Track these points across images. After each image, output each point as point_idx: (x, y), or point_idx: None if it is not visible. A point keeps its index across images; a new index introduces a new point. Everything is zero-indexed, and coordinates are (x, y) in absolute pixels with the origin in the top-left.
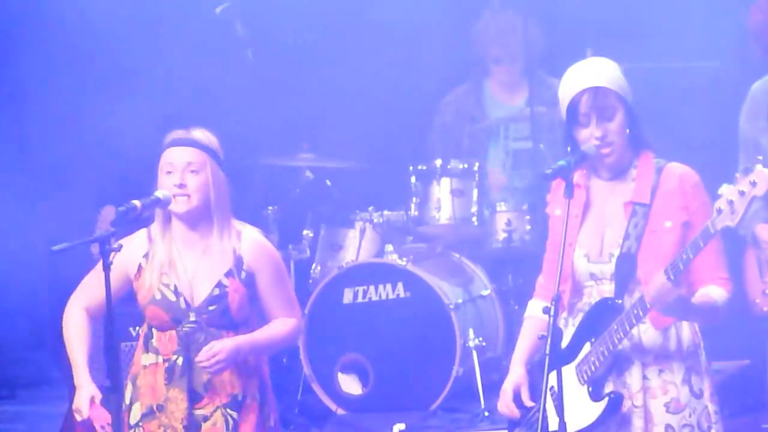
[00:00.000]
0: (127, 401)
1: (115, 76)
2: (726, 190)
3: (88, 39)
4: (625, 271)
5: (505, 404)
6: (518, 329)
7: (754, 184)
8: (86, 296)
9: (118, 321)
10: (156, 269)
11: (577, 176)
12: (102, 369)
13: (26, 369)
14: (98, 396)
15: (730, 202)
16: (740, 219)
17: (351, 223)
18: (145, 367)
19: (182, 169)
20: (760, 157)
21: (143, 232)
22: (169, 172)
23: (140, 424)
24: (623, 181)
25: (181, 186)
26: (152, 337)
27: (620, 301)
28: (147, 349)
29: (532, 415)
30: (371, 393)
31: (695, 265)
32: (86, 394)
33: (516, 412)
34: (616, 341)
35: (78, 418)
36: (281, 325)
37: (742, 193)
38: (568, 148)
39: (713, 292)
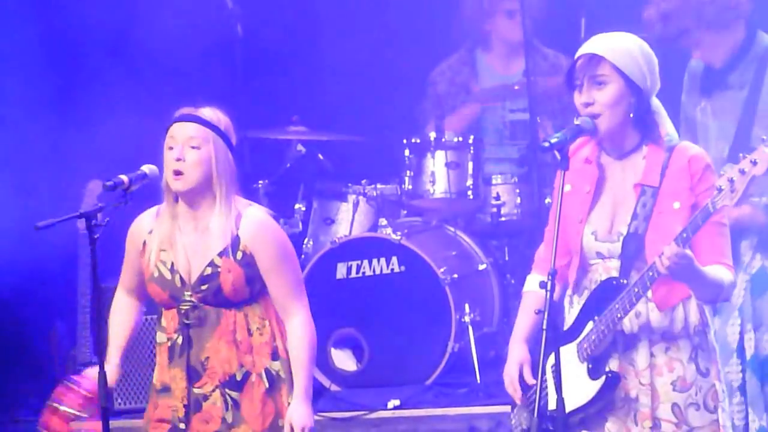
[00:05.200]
0: (154, 380)
1: (104, 52)
2: (728, 169)
3: (76, 13)
4: (632, 251)
5: (513, 387)
6: (515, 304)
7: (754, 163)
8: (123, 281)
9: None
10: (156, 246)
11: (588, 151)
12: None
13: None
14: (112, 378)
15: (731, 181)
16: (739, 198)
17: (344, 197)
18: (158, 345)
19: (183, 143)
20: (764, 137)
21: (154, 208)
22: (171, 147)
23: (158, 401)
24: (634, 160)
25: (179, 159)
26: (161, 316)
27: (625, 281)
28: (159, 328)
29: (532, 393)
30: (365, 369)
31: (702, 249)
32: (98, 374)
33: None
34: (616, 319)
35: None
36: (300, 339)
37: (742, 172)
38: (575, 118)
39: (720, 271)
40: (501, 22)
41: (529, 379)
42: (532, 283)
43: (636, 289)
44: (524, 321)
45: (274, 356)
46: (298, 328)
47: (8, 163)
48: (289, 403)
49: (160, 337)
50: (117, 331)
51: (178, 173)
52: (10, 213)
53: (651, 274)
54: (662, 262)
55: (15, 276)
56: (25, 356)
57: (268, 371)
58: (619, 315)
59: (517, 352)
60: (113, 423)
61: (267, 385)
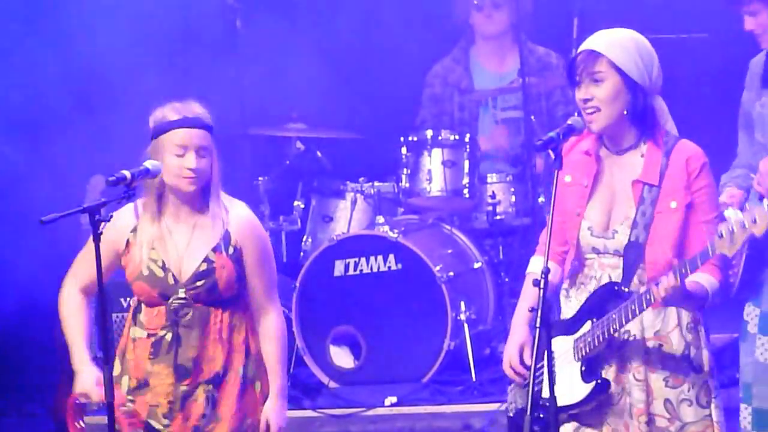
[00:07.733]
0: (116, 373)
1: (104, 47)
2: (733, 216)
3: (76, 11)
4: (633, 259)
5: (511, 366)
6: (510, 302)
7: (754, 221)
8: (79, 276)
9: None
10: (145, 244)
11: (589, 144)
12: (94, 340)
13: None
14: (99, 377)
15: (731, 232)
16: (737, 250)
17: (342, 194)
18: (133, 340)
19: (194, 151)
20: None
21: (130, 206)
22: (180, 155)
23: (131, 397)
24: (632, 157)
25: (195, 171)
26: (140, 312)
27: (627, 290)
28: (135, 322)
29: (527, 378)
30: (363, 366)
31: (690, 251)
32: (90, 377)
33: (523, 373)
34: (612, 330)
35: (85, 400)
36: (275, 337)
37: (743, 226)
38: (576, 114)
39: (704, 280)
40: (474, 15)
41: (528, 362)
42: (535, 265)
43: (633, 307)
44: (526, 304)
45: (247, 354)
46: (274, 326)
47: (10, 160)
48: (257, 401)
49: (137, 332)
50: (80, 332)
51: (192, 178)
52: (14, 208)
53: (648, 297)
54: (659, 292)
55: (21, 271)
56: (33, 352)
57: (243, 369)
58: (614, 327)
59: (518, 334)
60: (92, 419)
61: (241, 384)
